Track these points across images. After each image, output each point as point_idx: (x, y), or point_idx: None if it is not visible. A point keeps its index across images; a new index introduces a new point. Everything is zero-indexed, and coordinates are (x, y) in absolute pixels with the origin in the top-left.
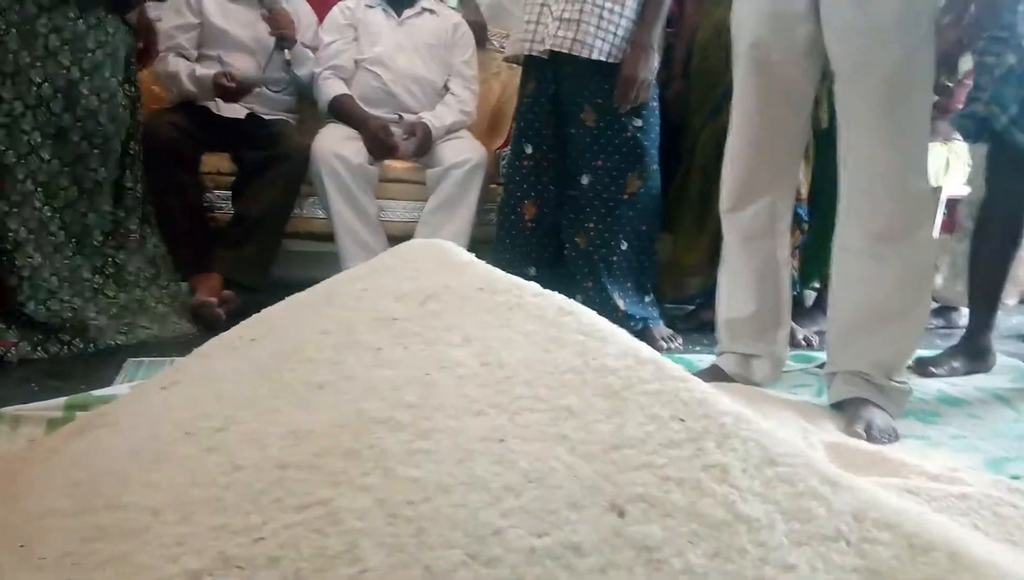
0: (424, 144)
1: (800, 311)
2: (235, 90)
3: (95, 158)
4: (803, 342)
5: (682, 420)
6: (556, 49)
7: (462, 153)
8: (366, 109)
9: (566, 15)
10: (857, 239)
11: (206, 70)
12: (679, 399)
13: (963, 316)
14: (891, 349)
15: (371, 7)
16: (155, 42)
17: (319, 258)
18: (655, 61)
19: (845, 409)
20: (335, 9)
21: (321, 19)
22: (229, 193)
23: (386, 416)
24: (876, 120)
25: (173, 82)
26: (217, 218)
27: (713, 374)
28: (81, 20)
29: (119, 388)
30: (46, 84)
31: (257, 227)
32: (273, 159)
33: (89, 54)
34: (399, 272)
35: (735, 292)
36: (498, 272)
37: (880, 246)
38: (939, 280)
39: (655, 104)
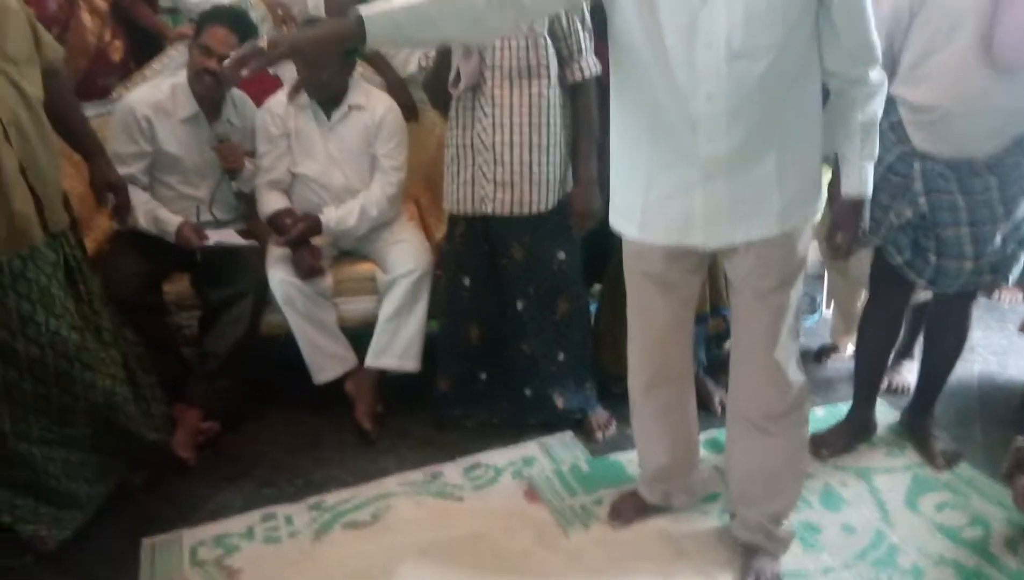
0: (306, 234)
1: (717, 367)
2: (198, 246)
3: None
4: (718, 408)
5: None
6: (498, 213)
7: (408, 261)
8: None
9: (499, 177)
10: (744, 412)
11: (168, 215)
12: None
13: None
14: (779, 502)
15: (302, 108)
16: (126, 200)
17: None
18: (597, 191)
19: (740, 551)
20: (265, 116)
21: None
22: (193, 314)
23: None
24: (768, 328)
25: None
26: (187, 337)
27: (635, 503)
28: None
29: None
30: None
31: (226, 364)
32: (234, 297)
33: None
34: None
35: (649, 447)
36: None
37: (766, 423)
38: None
39: (576, 234)
